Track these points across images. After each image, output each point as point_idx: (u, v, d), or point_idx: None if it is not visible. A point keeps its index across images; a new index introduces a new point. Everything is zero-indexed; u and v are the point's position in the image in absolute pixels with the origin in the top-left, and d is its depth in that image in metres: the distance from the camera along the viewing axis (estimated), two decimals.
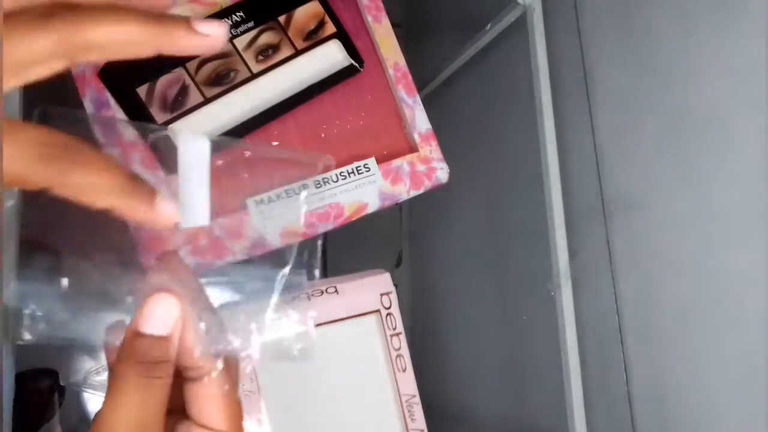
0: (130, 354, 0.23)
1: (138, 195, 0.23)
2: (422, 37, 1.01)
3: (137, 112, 0.41)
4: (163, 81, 0.42)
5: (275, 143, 0.46)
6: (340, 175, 0.46)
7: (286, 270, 0.28)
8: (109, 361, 0.25)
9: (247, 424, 0.43)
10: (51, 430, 0.66)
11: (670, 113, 0.50)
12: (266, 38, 0.46)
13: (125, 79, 0.41)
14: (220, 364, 0.24)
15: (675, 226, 0.50)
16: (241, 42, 0.45)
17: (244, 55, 0.45)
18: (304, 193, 0.44)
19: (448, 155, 0.51)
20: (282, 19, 0.47)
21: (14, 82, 0.21)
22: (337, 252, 1.02)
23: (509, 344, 0.74)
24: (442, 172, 0.50)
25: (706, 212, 0.47)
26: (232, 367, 0.25)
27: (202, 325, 0.24)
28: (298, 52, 0.47)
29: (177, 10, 0.44)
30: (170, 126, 0.42)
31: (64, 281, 0.26)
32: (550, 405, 0.64)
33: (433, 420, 0.59)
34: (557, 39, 0.63)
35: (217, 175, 0.45)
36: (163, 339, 0.23)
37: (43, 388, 0.66)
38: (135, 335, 0.23)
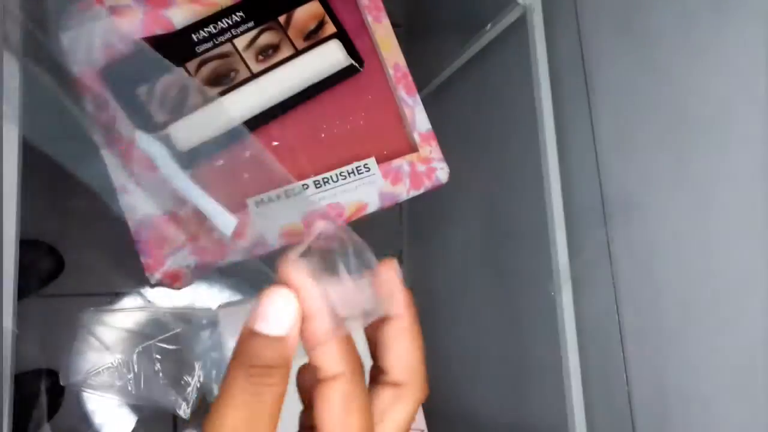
0: (241, 355, 0.21)
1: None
2: (422, 37, 1.01)
3: (137, 113, 0.41)
4: (163, 81, 0.42)
5: (275, 143, 0.46)
6: (340, 175, 0.46)
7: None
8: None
9: None
10: (51, 430, 0.66)
11: (670, 113, 0.50)
12: (266, 38, 0.46)
13: (125, 79, 0.41)
14: (346, 367, 0.22)
15: (675, 226, 0.50)
16: (241, 42, 0.45)
17: (244, 55, 0.45)
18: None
19: (448, 155, 0.51)
20: (282, 19, 0.47)
21: None
22: None
23: (509, 344, 0.74)
24: (442, 172, 0.50)
25: (705, 212, 0.47)
26: (362, 370, 0.22)
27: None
28: (298, 52, 0.47)
29: (177, 10, 0.44)
30: (171, 126, 0.42)
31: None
32: (550, 405, 0.64)
33: (433, 420, 0.59)
34: (557, 39, 0.63)
35: (217, 176, 0.45)
36: (279, 340, 0.21)
37: (43, 388, 0.66)
38: (249, 334, 0.21)
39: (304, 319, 0.22)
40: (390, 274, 0.23)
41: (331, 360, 0.22)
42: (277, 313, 0.21)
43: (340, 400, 0.21)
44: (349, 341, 0.22)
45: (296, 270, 0.22)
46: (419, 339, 0.24)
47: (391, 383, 0.23)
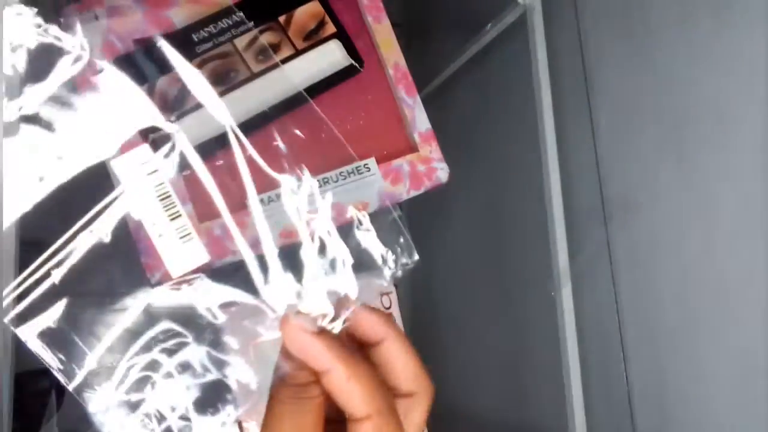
0: (281, 378, 0.24)
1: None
2: (422, 37, 1.01)
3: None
4: (163, 81, 0.42)
5: (275, 143, 0.46)
6: (340, 175, 0.46)
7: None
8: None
9: (249, 425, 0.43)
10: (50, 430, 0.66)
11: (670, 113, 0.50)
12: (266, 38, 0.46)
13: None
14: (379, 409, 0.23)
15: (675, 225, 0.50)
16: (241, 42, 0.45)
17: (244, 55, 0.45)
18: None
19: (448, 155, 0.51)
20: (282, 19, 0.47)
21: None
22: None
23: (509, 344, 0.74)
24: (442, 172, 0.50)
25: (706, 212, 0.47)
26: (390, 406, 0.24)
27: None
28: (298, 52, 0.47)
29: (177, 10, 0.44)
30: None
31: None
32: (550, 405, 0.64)
33: (433, 420, 0.59)
34: (557, 39, 0.63)
35: (217, 175, 0.45)
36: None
37: (43, 389, 0.66)
38: (283, 359, 0.24)
39: (321, 374, 0.24)
40: (360, 311, 0.26)
41: (356, 404, 0.23)
42: (303, 337, 0.24)
43: None
44: (373, 380, 0.24)
45: (299, 332, 0.24)
46: (412, 349, 0.26)
47: (404, 395, 0.26)
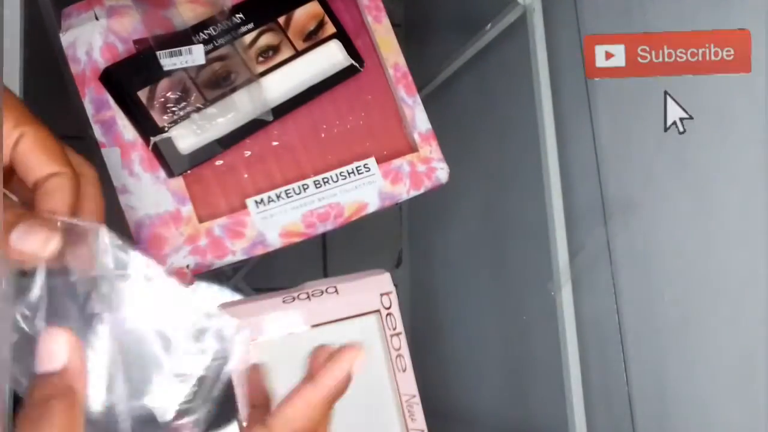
0: (31, 392, 0.22)
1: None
2: (422, 37, 1.01)
3: (138, 115, 0.41)
4: (164, 83, 0.42)
5: (275, 143, 0.46)
6: (340, 175, 0.46)
7: None
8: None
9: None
10: None
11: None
12: (266, 39, 0.46)
13: (126, 82, 0.41)
14: None
15: (675, 226, 0.50)
16: (241, 43, 0.45)
17: (244, 56, 0.45)
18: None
19: (448, 155, 0.51)
20: (282, 20, 0.47)
21: None
22: (337, 252, 1.02)
23: (509, 344, 0.74)
24: (442, 172, 0.50)
25: (705, 212, 0.47)
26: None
27: None
28: (298, 53, 0.47)
29: (177, 11, 0.44)
30: (173, 128, 0.42)
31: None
32: (550, 405, 0.64)
33: (433, 420, 0.59)
34: (557, 39, 0.63)
35: (217, 176, 0.45)
36: (56, 374, 0.22)
37: None
38: (35, 376, 0.23)
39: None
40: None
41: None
42: (53, 351, 0.22)
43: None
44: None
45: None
46: (46, 134, 0.27)
47: (45, 178, 0.26)
